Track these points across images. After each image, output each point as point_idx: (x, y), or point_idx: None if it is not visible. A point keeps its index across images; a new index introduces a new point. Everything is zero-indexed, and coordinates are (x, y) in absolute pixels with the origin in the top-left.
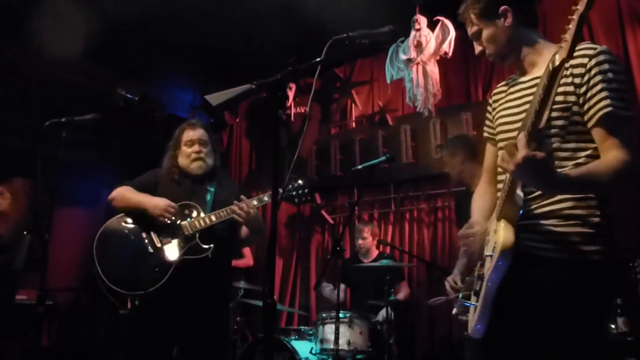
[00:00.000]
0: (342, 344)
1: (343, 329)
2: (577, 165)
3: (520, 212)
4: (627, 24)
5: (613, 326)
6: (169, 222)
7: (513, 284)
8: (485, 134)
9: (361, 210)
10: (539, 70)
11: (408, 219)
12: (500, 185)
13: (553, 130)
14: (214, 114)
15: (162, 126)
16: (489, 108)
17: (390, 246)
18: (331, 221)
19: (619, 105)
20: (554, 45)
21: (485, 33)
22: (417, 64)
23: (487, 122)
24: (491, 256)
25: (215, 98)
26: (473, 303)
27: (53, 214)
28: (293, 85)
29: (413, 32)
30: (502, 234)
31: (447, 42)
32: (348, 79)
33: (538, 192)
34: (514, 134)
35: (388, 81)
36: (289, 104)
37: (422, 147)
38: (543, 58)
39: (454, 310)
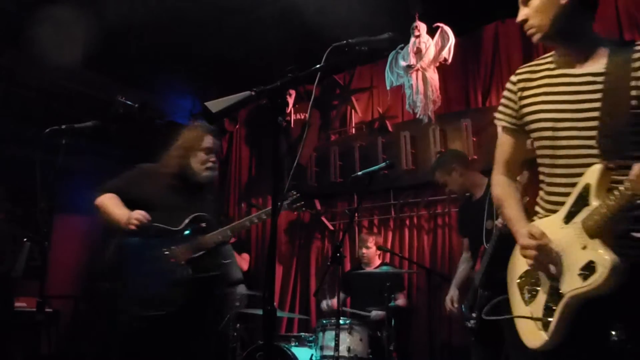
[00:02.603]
0: (342, 351)
1: (343, 335)
2: None
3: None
4: (626, 29)
5: (614, 333)
6: (134, 229)
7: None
8: (503, 122)
9: (361, 217)
10: (594, 66)
11: (408, 226)
12: (562, 189)
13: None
14: (214, 121)
15: (162, 133)
16: (510, 95)
17: (390, 252)
18: (331, 227)
19: None
20: (607, 41)
21: (535, 0)
22: (417, 70)
23: (506, 110)
24: (584, 275)
25: (214, 105)
26: (538, 318)
27: (52, 221)
28: (293, 92)
29: (413, 39)
30: (608, 254)
31: (446, 49)
32: (348, 85)
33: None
34: (579, 133)
35: (388, 88)
36: (288, 111)
37: (421, 153)
38: (595, 52)
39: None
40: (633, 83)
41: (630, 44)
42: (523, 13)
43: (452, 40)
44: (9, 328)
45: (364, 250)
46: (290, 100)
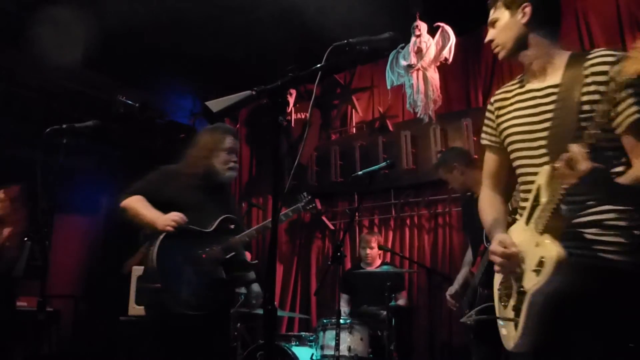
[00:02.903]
0: (343, 350)
1: (344, 335)
2: (616, 174)
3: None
4: (627, 28)
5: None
6: (172, 230)
7: (554, 294)
8: (485, 142)
9: (361, 217)
10: (553, 78)
11: (408, 225)
12: (527, 195)
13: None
14: (214, 121)
15: (162, 133)
16: (490, 115)
17: (390, 252)
18: (332, 227)
19: None
20: (566, 53)
21: (502, 21)
22: (418, 70)
23: (487, 129)
24: (537, 271)
25: (215, 104)
26: (509, 318)
27: (53, 221)
28: (293, 92)
29: (413, 39)
30: (553, 248)
31: (447, 48)
32: (348, 85)
33: (582, 203)
34: (536, 143)
35: (388, 87)
36: (289, 110)
37: (422, 153)
38: (555, 65)
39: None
40: (584, 89)
41: (586, 53)
42: (490, 34)
43: (452, 39)
44: (11, 328)
45: (368, 251)
46: (291, 100)
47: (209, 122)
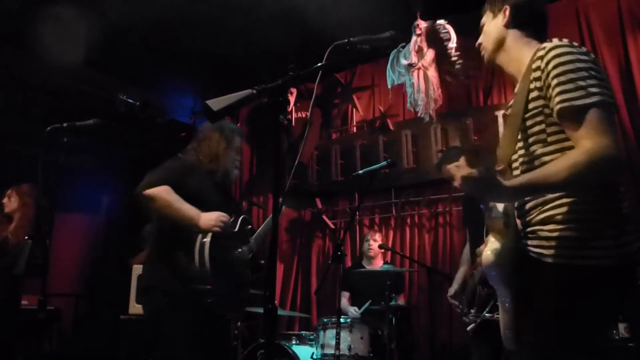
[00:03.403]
0: (343, 349)
1: (344, 334)
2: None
3: (508, 220)
4: (628, 28)
5: (614, 332)
6: (219, 231)
7: (528, 290)
8: None
9: (362, 216)
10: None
11: (409, 224)
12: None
13: (532, 138)
14: (215, 119)
15: (163, 132)
16: None
17: (391, 251)
18: (332, 226)
19: (574, 96)
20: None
21: (486, 25)
22: (418, 69)
23: None
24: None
25: (216, 103)
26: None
27: (54, 219)
28: (294, 91)
29: (414, 38)
30: (485, 249)
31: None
32: (349, 84)
33: (536, 200)
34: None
35: (389, 86)
36: (289, 109)
37: (423, 152)
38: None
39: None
40: (530, 86)
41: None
42: (480, 39)
43: (453, 38)
44: (14, 326)
45: (371, 243)
46: (292, 99)
47: (210, 121)
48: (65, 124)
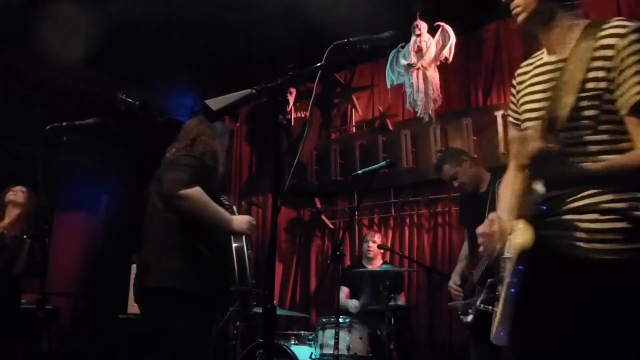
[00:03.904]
0: (342, 349)
1: (343, 334)
2: (613, 154)
3: (541, 208)
4: None
5: None
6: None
7: (542, 286)
8: (510, 119)
9: (361, 215)
10: (564, 52)
11: (408, 224)
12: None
13: (583, 122)
14: (215, 119)
15: (163, 131)
16: (513, 90)
17: (390, 251)
18: (331, 226)
19: None
20: (585, 22)
21: None
22: (418, 69)
23: (512, 106)
24: (509, 259)
25: (215, 102)
26: (494, 309)
27: (53, 218)
28: (293, 90)
29: (413, 38)
30: (520, 234)
31: (447, 48)
32: (348, 84)
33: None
34: (538, 121)
35: (388, 86)
36: (289, 109)
37: (422, 152)
38: (571, 37)
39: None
40: (591, 64)
41: (601, 23)
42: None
43: (453, 39)
44: (14, 324)
45: (370, 244)
46: (291, 99)
47: (209, 120)
48: (64, 123)
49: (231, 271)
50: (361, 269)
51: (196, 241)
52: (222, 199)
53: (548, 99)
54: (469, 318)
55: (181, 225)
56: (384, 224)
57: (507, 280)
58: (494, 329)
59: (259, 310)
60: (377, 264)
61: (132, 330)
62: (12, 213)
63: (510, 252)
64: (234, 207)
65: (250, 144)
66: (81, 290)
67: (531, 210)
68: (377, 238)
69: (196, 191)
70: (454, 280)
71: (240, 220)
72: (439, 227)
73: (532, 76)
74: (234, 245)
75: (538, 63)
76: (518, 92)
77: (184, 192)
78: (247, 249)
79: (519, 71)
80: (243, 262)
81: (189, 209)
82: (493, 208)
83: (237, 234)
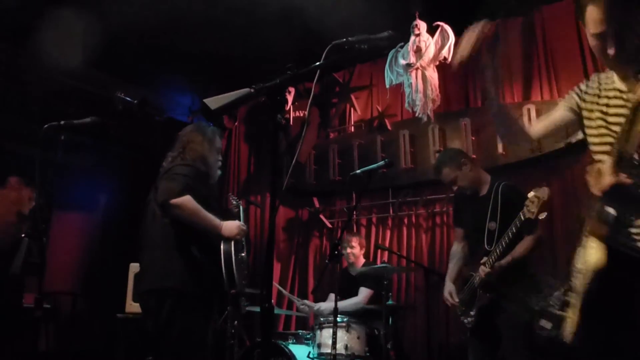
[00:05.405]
0: (340, 349)
1: (340, 333)
2: None
3: (613, 227)
4: None
5: None
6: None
7: (616, 291)
8: (566, 102)
9: (359, 215)
10: (630, 86)
11: (406, 224)
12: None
13: None
14: (213, 118)
15: (161, 130)
16: (577, 89)
17: (388, 251)
18: (329, 225)
19: None
20: None
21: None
22: (417, 69)
23: (575, 95)
24: (581, 272)
25: (214, 102)
26: (563, 314)
27: (51, 217)
28: (292, 90)
29: (412, 38)
30: (593, 253)
31: (446, 48)
32: (347, 83)
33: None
34: (610, 156)
35: (387, 86)
36: (287, 109)
37: (420, 152)
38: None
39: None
40: None
41: None
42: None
43: (452, 39)
44: (14, 325)
45: (348, 250)
46: (290, 98)
47: (207, 119)
48: (62, 122)
49: (222, 273)
50: (362, 269)
51: (190, 245)
52: (230, 197)
53: (622, 132)
54: (469, 320)
55: (177, 230)
56: (382, 224)
57: (580, 289)
58: (567, 331)
59: (256, 309)
60: (359, 264)
61: (130, 329)
62: (10, 209)
63: (580, 263)
64: (241, 206)
65: (249, 143)
66: (79, 289)
67: (604, 231)
68: (354, 242)
69: (186, 199)
70: (449, 289)
71: (230, 226)
72: (437, 227)
73: (604, 97)
74: (222, 248)
75: (609, 86)
76: (583, 100)
77: (174, 201)
78: (240, 252)
79: (588, 83)
80: (230, 265)
81: (180, 216)
82: (495, 211)
83: (227, 239)
